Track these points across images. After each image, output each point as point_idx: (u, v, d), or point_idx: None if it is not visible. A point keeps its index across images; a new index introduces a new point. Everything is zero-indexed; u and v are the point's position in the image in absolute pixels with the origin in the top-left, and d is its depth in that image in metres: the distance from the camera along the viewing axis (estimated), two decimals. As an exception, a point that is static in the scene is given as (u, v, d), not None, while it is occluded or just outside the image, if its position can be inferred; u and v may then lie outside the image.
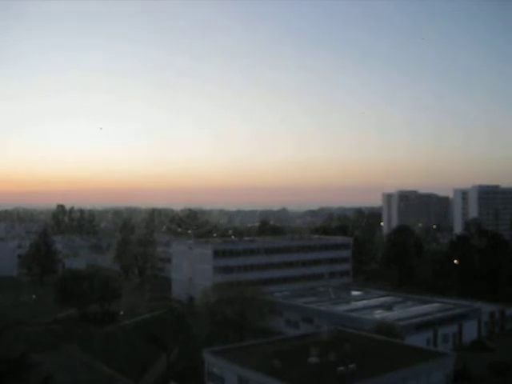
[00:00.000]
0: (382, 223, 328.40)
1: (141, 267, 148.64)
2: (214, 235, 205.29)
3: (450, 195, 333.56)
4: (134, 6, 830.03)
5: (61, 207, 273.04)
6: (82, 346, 78.74)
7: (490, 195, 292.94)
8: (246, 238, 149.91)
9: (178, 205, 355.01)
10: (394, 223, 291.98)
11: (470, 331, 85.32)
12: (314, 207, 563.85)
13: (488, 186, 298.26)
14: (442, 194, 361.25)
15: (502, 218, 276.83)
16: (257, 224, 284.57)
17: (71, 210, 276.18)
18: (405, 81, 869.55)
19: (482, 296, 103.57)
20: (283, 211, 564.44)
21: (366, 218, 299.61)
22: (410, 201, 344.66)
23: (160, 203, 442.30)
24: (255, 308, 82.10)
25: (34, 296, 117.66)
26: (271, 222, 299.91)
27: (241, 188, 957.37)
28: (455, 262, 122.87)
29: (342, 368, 46.45)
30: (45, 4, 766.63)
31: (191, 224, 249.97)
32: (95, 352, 74.80)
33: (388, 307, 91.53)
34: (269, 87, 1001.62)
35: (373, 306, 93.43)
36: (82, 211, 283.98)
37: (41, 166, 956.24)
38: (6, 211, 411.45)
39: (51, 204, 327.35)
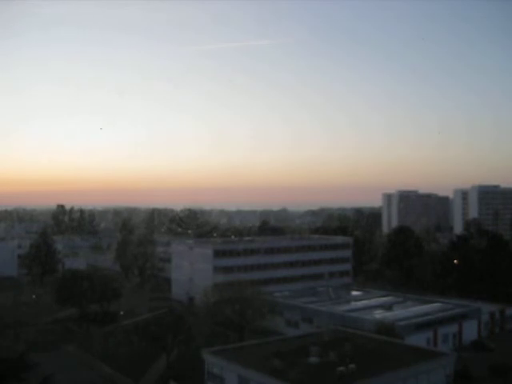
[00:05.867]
0: (382, 224, 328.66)
1: (141, 267, 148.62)
2: (214, 235, 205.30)
3: (450, 195, 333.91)
4: (138, 3, 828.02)
5: (61, 207, 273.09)
6: (82, 346, 78.88)
7: (490, 195, 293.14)
8: (246, 238, 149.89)
9: (178, 205, 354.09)
10: (394, 223, 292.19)
11: (470, 331, 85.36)
12: (314, 207, 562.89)
13: (488, 186, 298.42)
14: (441, 194, 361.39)
15: (502, 218, 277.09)
16: (257, 224, 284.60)
17: (71, 210, 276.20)
18: (406, 80, 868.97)
19: (481, 296, 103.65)
20: (283, 211, 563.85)
21: (366, 218, 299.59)
22: (410, 201, 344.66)
23: (160, 203, 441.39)
24: (255, 308, 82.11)
25: (34, 296, 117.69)
26: (271, 222, 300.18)
27: (241, 188, 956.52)
28: (455, 262, 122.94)
29: (341, 368, 46.48)
30: None
31: (191, 224, 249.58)
32: (95, 352, 74.90)
33: (388, 307, 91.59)
34: (268, 86, 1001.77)
35: (373, 306, 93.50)
36: (82, 211, 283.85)
37: (41, 166, 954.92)
38: (5, 211, 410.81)
39: (51, 204, 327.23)
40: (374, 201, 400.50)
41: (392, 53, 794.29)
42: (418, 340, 71.05)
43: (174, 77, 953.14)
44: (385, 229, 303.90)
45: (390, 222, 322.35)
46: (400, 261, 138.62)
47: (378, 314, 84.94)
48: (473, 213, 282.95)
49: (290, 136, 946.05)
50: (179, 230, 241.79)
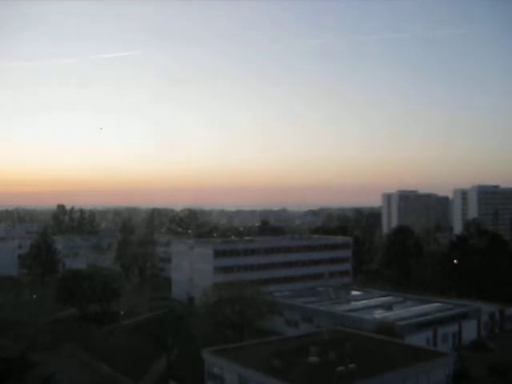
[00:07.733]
0: (382, 224, 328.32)
1: (141, 267, 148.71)
2: (214, 235, 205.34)
3: (450, 195, 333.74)
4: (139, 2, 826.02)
5: (61, 207, 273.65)
6: (82, 346, 78.88)
7: (489, 195, 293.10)
8: (246, 238, 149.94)
9: (178, 205, 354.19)
10: (394, 223, 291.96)
11: (470, 331, 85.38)
12: (314, 207, 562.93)
13: (488, 186, 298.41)
14: (441, 193, 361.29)
15: (502, 218, 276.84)
16: (257, 224, 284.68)
17: (71, 210, 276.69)
18: (407, 82, 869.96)
19: (481, 296, 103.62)
20: (283, 211, 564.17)
21: (366, 218, 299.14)
22: (409, 201, 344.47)
23: (160, 203, 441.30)
24: (255, 308, 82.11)
25: (34, 296, 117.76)
26: (271, 222, 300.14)
27: (241, 188, 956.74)
28: (455, 262, 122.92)
29: (341, 368, 46.51)
30: None
31: (191, 224, 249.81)
32: (95, 352, 74.92)
33: (388, 307, 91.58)
34: (269, 87, 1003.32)
35: (373, 306, 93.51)
36: (82, 211, 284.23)
37: (41, 166, 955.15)
38: (6, 211, 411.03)
39: (51, 204, 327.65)
40: (374, 201, 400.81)
41: (391, 54, 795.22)
42: (418, 340, 71.05)
43: (175, 77, 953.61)
44: (385, 229, 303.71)
45: (389, 222, 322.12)
46: (400, 261, 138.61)
47: (378, 314, 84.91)
48: (472, 213, 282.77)
49: (291, 136, 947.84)
50: (179, 230, 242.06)
